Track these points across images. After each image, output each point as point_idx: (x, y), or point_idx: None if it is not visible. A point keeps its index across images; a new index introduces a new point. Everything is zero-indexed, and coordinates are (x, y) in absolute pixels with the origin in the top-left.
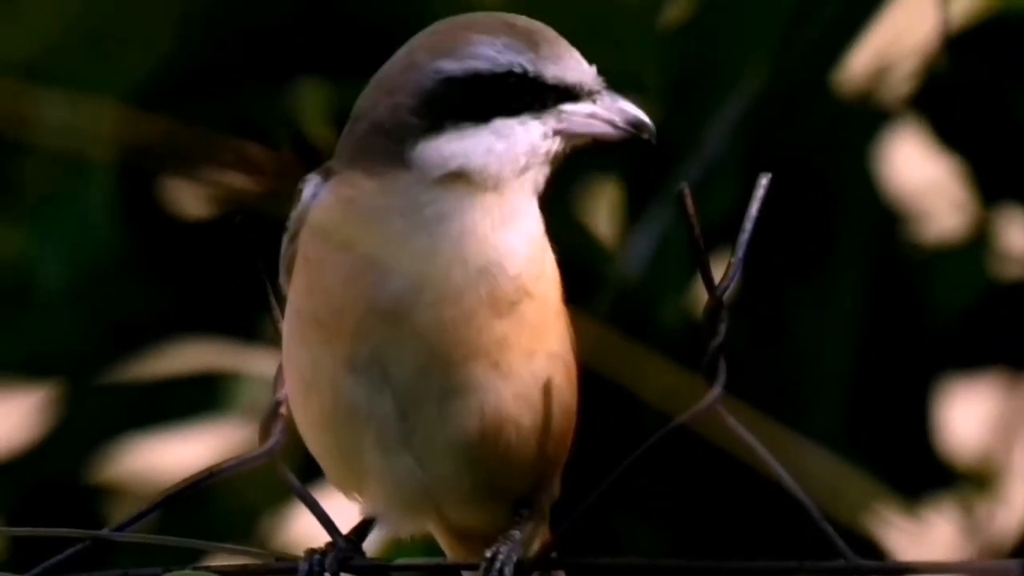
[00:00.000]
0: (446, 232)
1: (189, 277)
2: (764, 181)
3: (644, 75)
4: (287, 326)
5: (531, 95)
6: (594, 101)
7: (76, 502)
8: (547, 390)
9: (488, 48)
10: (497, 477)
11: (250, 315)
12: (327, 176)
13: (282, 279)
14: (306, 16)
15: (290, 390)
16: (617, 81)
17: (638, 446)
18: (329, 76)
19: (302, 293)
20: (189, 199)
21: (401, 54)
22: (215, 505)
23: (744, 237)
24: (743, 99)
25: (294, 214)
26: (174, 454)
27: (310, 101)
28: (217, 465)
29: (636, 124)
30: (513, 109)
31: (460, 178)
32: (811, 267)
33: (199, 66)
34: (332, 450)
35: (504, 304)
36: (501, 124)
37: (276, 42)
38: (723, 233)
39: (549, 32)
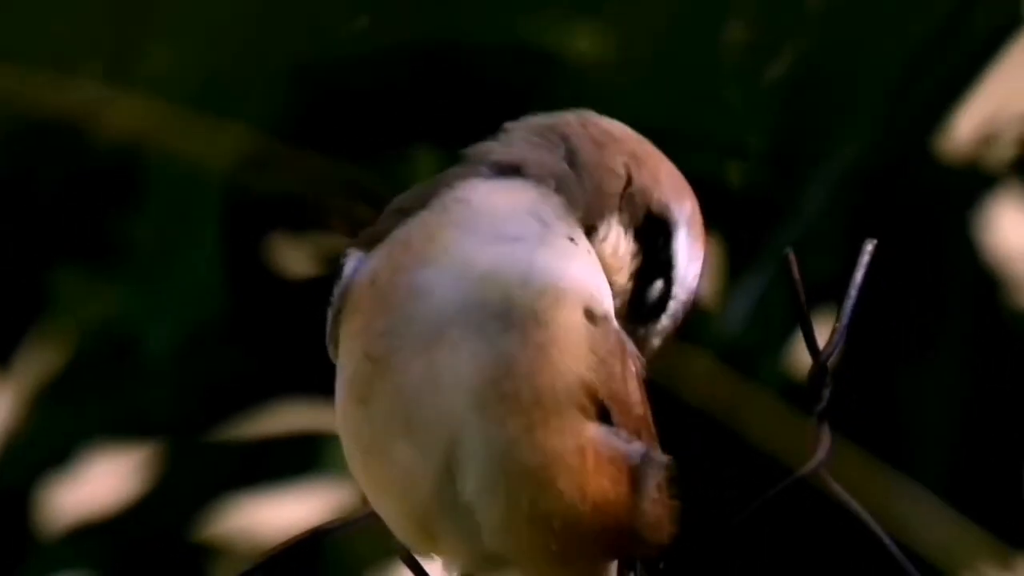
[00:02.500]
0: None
1: (293, 337)
2: (869, 247)
3: (746, 134)
4: (339, 390)
5: None
6: None
7: (178, 561)
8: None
9: None
10: (556, 548)
11: None
12: (369, 247)
13: (330, 351)
14: (420, 84)
15: (348, 454)
16: (719, 141)
17: (739, 490)
18: (442, 143)
19: (355, 338)
20: (295, 259)
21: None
22: (318, 565)
23: (849, 304)
24: (846, 159)
25: (337, 289)
26: (276, 514)
27: (423, 167)
28: (323, 525)
29: None
30: None
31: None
32: (914, 331)
33: (311, 129)
34: (398, 514)
35: (527, 312)
36: None
37: (389, 109)
38: (824, 295)
39: None
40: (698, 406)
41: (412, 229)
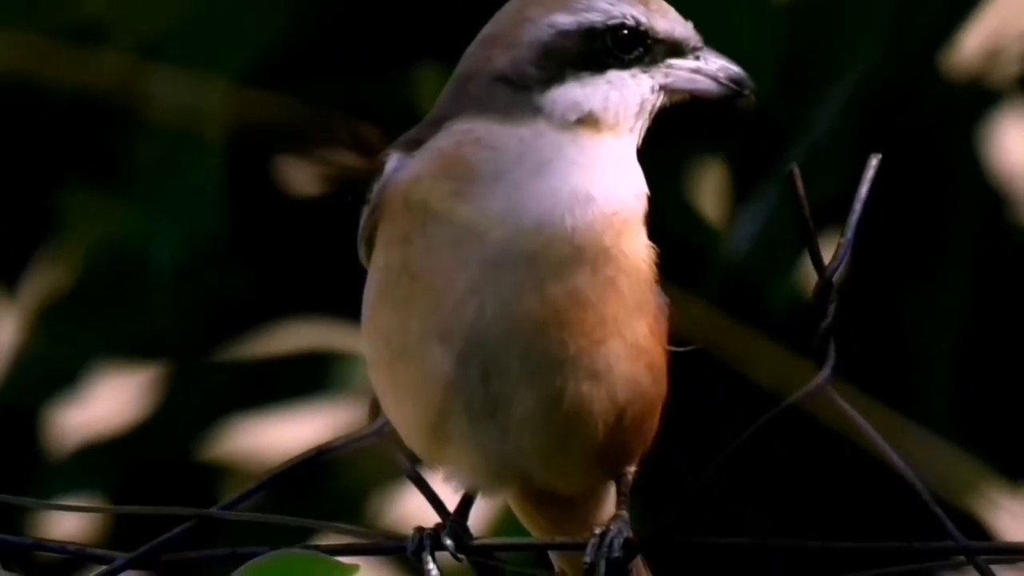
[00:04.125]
0: (575, 170)
1: (299, 256)
2: (874, 162)
3: (755, 54)
4: (371, 292)
5: (642, 48)
6: (697, 58)
7: (185, 480)
8: (624, 377)
9: (602, 1)
10: (574, 451)
11: (359, 294)
12: (409, 150)
13: (360, 252)
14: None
15: (374, 357)
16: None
17: (747, 426)
18: (444, 60)
19: (395, 244)
20: (300, 178)
21: (510, 12)
22: (324, 484)
23: (853, 218)
24: (853, 80)
25: (376, 187)
26: (284, 433)
27: (425, 84)
28: (326, 444)
29: (737, 81)
30: (625, 61)
31: (588, 122)
32: (919, 247)
33: (314, 48)
34: (417, 418)
35: (597, 250)
36: (615, 75)
37: (392, 26)
38: (832, 213)
39: None
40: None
41: (440, 155)
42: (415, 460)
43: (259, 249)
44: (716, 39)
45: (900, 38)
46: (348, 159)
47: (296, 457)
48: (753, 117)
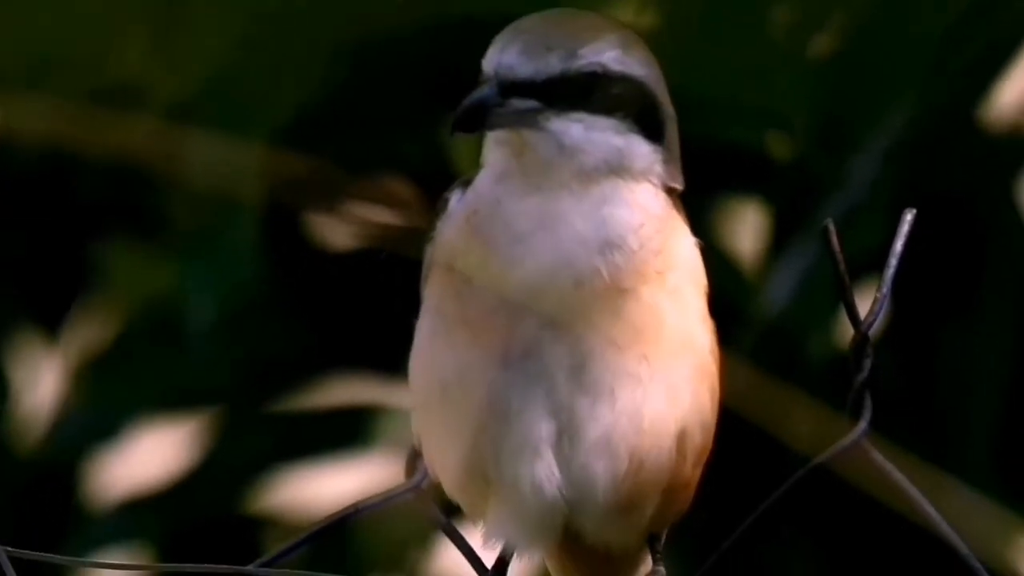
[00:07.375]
0: (581, 219)
1: (336, 311)
2: (909, 217)
3: (791, 108)
4: (425, 330)
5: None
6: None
7: (227, 534)
8: (691, 396)
9: None
10: (636, 484)
11: (397, 349)
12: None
13: (423, 290)
14: (456, 58)
15: (424, 395)
16: (764, 114)
17: (781, 485)
18: None
19: (449, 297)
20: (335, 234)
21: None
22: (362, 539)
23: (889, 272)
24: (890, 133)
25: (439, 222)
26: (324, 486)
27: (459, 141)
28: (363, 501)
29: (471, 109)
30: None
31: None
32: (959, 302)
33: (348, 102)
34: (467, 457)
35: (650, 273)
36: None
37: (425, 78)
38: (870, 267)
39: (526, 22)
40: (739, 413)
41: (462, 222)
42: (451, 515)
43: (296, 303)
44: (754, 90)
45: (937, 91)
46: (381, 214)
47: (334, 514)
48: (790, 169)
